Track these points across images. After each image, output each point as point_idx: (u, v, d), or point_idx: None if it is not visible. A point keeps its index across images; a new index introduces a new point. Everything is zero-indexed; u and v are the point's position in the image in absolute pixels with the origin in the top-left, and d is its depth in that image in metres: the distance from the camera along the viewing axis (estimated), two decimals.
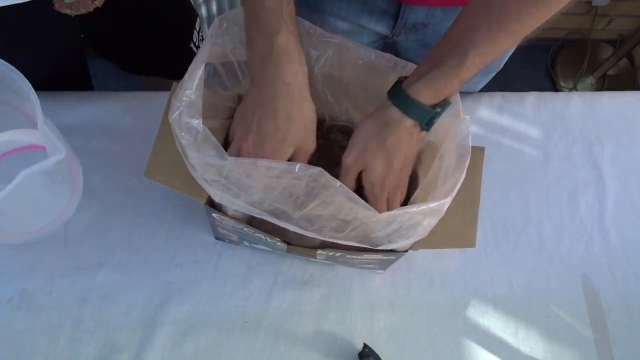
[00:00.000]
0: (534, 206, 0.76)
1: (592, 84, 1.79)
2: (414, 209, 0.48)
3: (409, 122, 0.49)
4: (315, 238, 0.59)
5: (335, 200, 0.48)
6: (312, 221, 0.51)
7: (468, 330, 0.68)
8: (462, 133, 0.51)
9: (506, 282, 0.71)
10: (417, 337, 0.68)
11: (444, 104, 0.49)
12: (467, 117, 0.51)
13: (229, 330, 0.67)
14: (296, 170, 0.47)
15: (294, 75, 0.50)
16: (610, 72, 1.75)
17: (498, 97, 0.83)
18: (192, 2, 1.39)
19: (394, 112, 0.49)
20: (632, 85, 1.78)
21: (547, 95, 0.84)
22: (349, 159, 0.53)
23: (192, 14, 0.95)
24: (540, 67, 1.82)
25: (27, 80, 0.51)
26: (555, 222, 0.75)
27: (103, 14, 0.72)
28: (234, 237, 0.66)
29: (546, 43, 1.81)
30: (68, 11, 0.68)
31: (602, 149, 0.80)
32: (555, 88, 1.79)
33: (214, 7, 1.41)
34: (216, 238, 0.71)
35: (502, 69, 0.83)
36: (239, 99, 0.63)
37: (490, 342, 0.68)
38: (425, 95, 0.48)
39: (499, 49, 0.45)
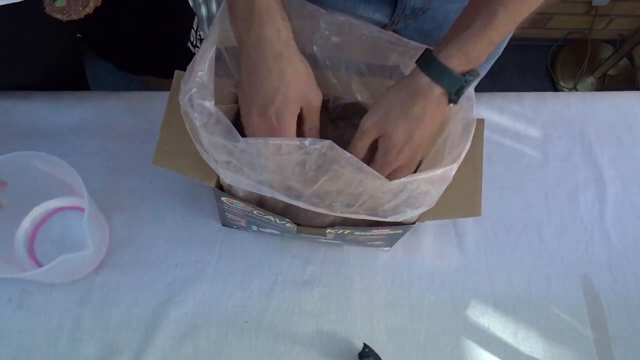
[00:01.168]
0: (534, 206, 0.76)
1: (592, 84, 1.79)
2: (422, 176, 0.48)
3: (437, 91, 0.48)
4: (324, 218, 0.60)
5: (345, 173, 0.48)
6: (322, 197, 0.51)
7: (468, 330, 0.68)
8: (467, 106, 0.52)
9: (506, 282, 0.71)
10: (417, 337, 0.68)
11: (473, 73, 0.48)
12: (472, 93, 0.53)
13: (229, 330, 0.67)
14: (307, 145, 0.47)
15: (277, 32, 0.47)
16: (610, 72, 1.75)
17: (498, 97, 0.83)
18: (192, 2, 1.39)
19: (423, 80, 0.47)
20: (632, 85, 1.78)
21: (547, 95, 0.84)
22: (368, 122, 0.50)
23: (190, 14, 0.95)
24: (540, 67, 1.82)
25: (73, 170, 0.61)
26: (555, 222, 0.75)
27: (99, 14, 0.72)
28: (242, 222, 0.66)
29: (546, 43, 1.81)
30: (60, 16, 0.68)
31: (602, 149, 0.80)
32: (555, 88, 1.79)
33: (214, 7, 1.41)
34: (223, 224, 0.71)
35: (502, 69, 0.83)
36: None
37: (490, 342, 0.68)
38: (455, 60, 0.46)
39: (528, 7, 0.44)
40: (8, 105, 0.76)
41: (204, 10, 1.43)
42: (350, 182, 0.49)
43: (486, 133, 0.58)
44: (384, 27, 0.79)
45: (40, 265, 0.69)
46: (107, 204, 0.71)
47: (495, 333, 0.69)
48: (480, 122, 0.60)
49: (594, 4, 1.61)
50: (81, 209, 0.71)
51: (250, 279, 0.69)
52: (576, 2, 1.63)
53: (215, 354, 0.66)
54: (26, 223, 0.70)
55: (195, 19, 0.96)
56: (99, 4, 0.70)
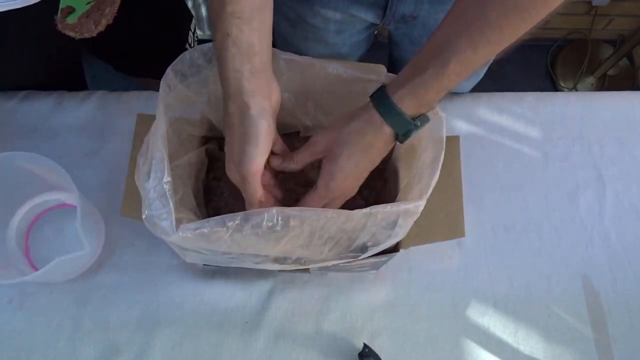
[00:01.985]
0: (533, 206, 0.76)
1: (592, 84, 1.79)
2: (388, 209, 0.47)
3: (387, 130, 0.48)
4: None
5: (305, 229, 0.47)
6: (289, 255, 0.51)
7: (468, 330, 0.68)
8: (438, 129, 0.51)
9: (506, 282, 0.71)
10: (417, 337, 0.68)
11: (423, 119, 0.49)
12: (443, 114, 0.51)
13: (229, 330, 0.67)
14: (250, 228, 0.46)
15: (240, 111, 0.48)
16: (610, 72, 1.75)
17: (497, 97, 0.83)
18: (191, 2, 1.39)
19: (375, 116, 0.48)
20: (632, 85, 1.78)
21: (547, 95, 0.84)
22: (319, 137, 0.51)
23: (187, 15, 0.95)
24: (540, 67, 1.82)
25: (60, 167, 0.60)
26: (555, 223, 0.75)
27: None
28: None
29: (546, 43, 1.81)
30: (72, 34, 0.67)
31: (602, 149, 0.80)
32: (555, 88, 1.79)
33: None
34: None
35: (502, 69, 0.83)
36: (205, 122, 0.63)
37: (490, 342, 0.68)
38: (407, 103, 0.47)
39: (481, 58, 0.44)
40: (8, 105, 0.76)
41: (203, 11, 1.43)
42: (311, 234, 0.48)
43: (486, 133, 0.58)
44: (376, 26, 0.80)
45: (35, 265, 0.68)
46: (107, 203, 0.71)
47: (495, 333, 0.69)
48: (455, 139, 0.59)
49: (594, 4, 1.61)
50: (73, 206, 0.70)
51: (251, 279, 0.69)
52: (576, 2, 1.63)
53: (215, 355, 0.66)
54: (16, 222, 0.70)
55: (193, 21, 0.96)
56: (111, 22, 0.69)
